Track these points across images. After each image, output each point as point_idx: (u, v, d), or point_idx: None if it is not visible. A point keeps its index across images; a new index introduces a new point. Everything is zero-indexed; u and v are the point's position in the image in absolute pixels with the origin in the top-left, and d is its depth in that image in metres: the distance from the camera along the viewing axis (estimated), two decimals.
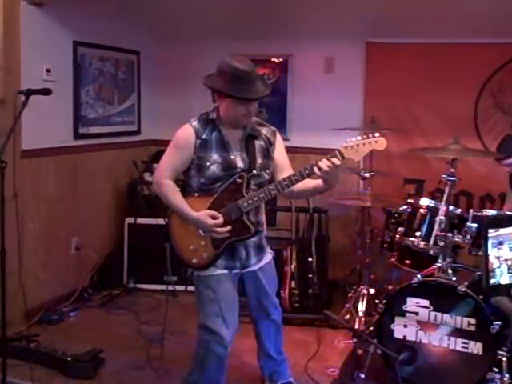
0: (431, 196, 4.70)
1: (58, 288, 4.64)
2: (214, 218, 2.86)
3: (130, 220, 5.08)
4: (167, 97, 5.67)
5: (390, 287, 4.29)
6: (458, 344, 3.24)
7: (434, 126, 4.83)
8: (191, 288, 4.57)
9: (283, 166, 3.07)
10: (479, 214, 3.55)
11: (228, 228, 2.87)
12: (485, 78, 4.68)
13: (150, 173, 5.20)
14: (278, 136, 3.12)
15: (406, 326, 3.36)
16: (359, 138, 2.79)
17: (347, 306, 4.41)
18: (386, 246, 4.23)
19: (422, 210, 3.77)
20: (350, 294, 4.55)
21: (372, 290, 4.45)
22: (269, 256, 3.19)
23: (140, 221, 5.03)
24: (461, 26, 4.46)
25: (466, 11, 4.24)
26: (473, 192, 4.79)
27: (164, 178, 2.96)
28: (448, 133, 4.41)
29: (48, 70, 4.36)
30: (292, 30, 4.99)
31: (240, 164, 2.94)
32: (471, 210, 3.54)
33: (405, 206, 3.90)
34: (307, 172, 2.80)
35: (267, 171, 3.02)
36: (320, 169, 2.74)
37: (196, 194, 2.95)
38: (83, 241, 4.87)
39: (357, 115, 5.04)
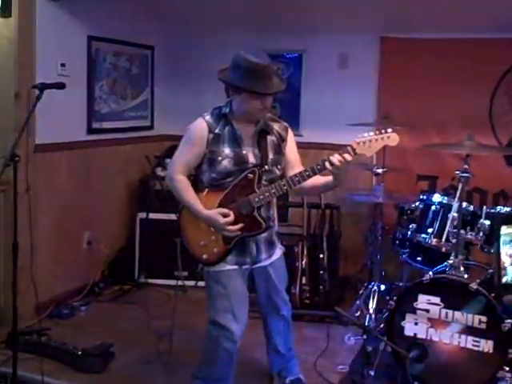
0: (444, 192, 4.67)
1: (69, 282, 4.66)
2: (225, 215, 2.85)
3: (141, 215, 5.09)
4: (180, 92, 5.66)
5: (400, 284, 4.27)
6: (468, 342, 3.21)
7: (448, 122, 4.79)
8: (201, 283, 4.61)
9: (294, 162, 3.07)
10: (492, 210, 3.53)
11: (239, 226, 2.86)
12: (500, 73, 4.63)
13: (163, 168, 5.21)
14: (290, 132, 3.11)
15: (416, 324, 3.33)
16: (371, 133, 2.77)
17: (358, 302, 4.40)
18: (397, 242, 4.21)
19: (434, 207, 3.74)
20: (360, 291, 4.54)
21: (383, 287, 4.44)
22: (279, 251, 3.18)
23: (152, 216, 5.04)
24: (476, 21, 4.41)
25: (482, 6, 4.19)
26: (486, 189, 4.74)
27: (177, 174, 2.96)
28: (462, 129, 4.37)
29: (63, 65, 4.37)
30: (306, 25, 4.97)
31: (252, 159, 2.93)
32: (484, 207, 3.52)
33: (417, 203, 3.86)
34: (319, 168, 2.79)
35: (278, 167, 3.01)
36: (332, 164, 2.73)
37: (207, 190, 2.95)
38: (95, 235, 4.89)
39: (370, 111, 5.01)
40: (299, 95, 5.30)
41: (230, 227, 2.85)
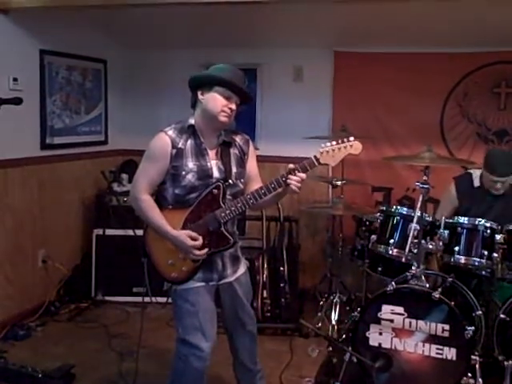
0: (399, 203, 4.78)
1: (24, 302, 4.53)
2: (193, 239, 2.82)
3: (98, 231, 4.99)
4: (134, 106, 5.62)
5: (361, 295, 4.32)
6: (432, 350, 3.27)
7: (401, 134, 4.91)
8: (161, 299, 4.54)
9: (253, 176, 3.05)
10: (451, 220, 3.61)
11: (205, 251, 2.83)
12: (451, 86, 4.79)
13: (119, 183, 5.15)
14: (251, 145, 3.08)
15: (381, 334, 3.37)
16: (334, 142, 2.78)
17: (319, 314, 4.42)
18: (356, 253, 4.25)
19: (394, 218, 3.80)
20: (321, 303, 4.56)
21: (344, 298, 4.47)
22: (244, 267, 3.16)
23: (108, 232, 4.95)
24: (427, 35, 4.54)
25: (433, 22, 4.31)
26: (438, 198, 4.84)
27: (141, 193, 2.88)
28: (415, 141, 4.51)
29: (15, 79, 4.27)
30: (260, 39, 5.02)
31: (216, 173, 2.89)
32: (443, 217, 3.59)
33: (378, 214, 3.91)
34: (284, 179, 2.77)
35: (242, 180, 2.99)
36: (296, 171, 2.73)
37: (170, 207, 2.89)
38: (50, 253, 4.76)
39: (326, 124, 5.09)
40: (255, 108, 5.33)
41: (197, 252, 2.81)
